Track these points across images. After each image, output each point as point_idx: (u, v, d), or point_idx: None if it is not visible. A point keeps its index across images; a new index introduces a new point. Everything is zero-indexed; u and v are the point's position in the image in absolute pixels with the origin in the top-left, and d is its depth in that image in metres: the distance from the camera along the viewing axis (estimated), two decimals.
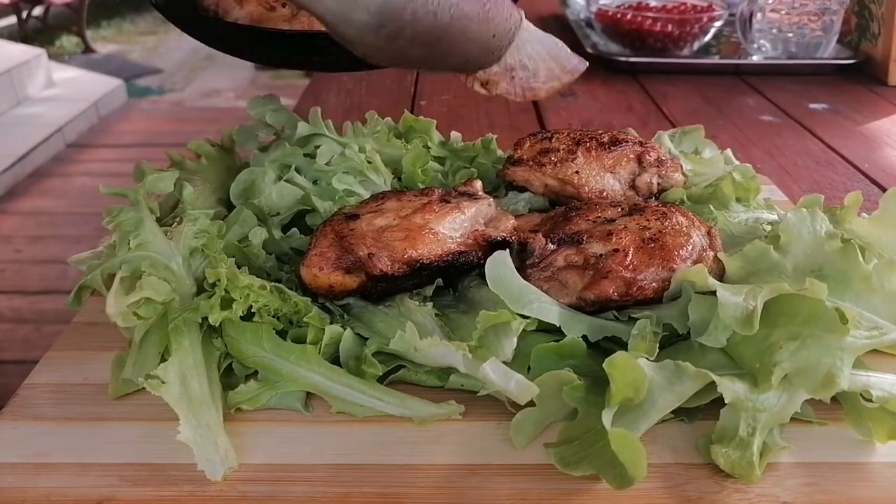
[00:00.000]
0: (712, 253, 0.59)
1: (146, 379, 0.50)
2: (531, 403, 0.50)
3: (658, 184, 0.74)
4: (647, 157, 0.74)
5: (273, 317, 0.56)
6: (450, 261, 0.59)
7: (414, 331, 0.52)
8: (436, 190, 0.66)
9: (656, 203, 0.66)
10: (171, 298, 0.55)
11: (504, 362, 0.50)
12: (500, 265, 0.54)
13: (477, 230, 0.62)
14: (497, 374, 0.49)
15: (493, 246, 0.60)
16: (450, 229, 0.61)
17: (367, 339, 0.55)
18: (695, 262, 0.57)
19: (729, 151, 0.85)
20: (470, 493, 0.47)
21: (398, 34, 0.53)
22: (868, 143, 1.13)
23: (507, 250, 0.57)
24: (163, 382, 0.50)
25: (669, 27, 1.44)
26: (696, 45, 1.49)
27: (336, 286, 0.58)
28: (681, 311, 0.54)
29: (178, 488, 0.47)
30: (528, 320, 0.53)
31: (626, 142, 0.76)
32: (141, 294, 0.54)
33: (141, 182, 0.63)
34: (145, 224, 0.60)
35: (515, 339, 0.52)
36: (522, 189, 0.76)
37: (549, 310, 0.54)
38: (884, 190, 0.97)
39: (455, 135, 0.89)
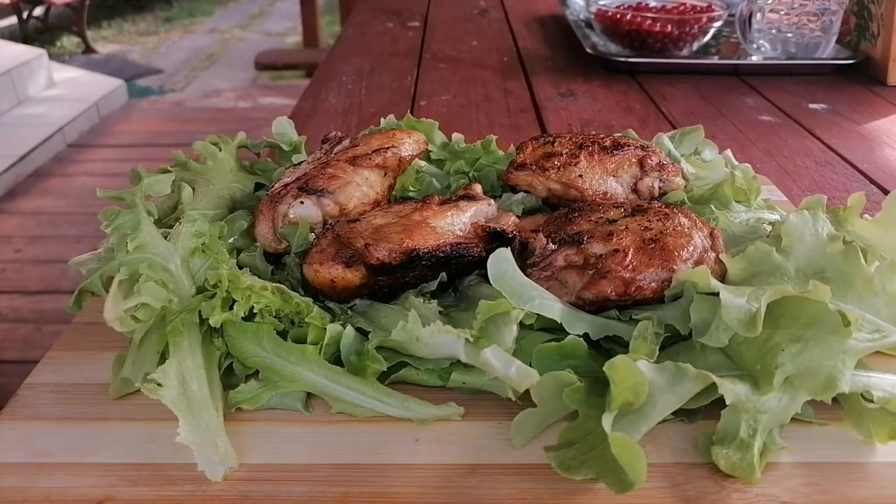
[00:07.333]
0: (714, 254, 0.59)
1: (144, 382, 0.50)
2: (531, 402, 0.50)
3: (659, 188, 0.74)
4: (649, 161, 0.74)
5: (274, 317, 0.56)
6: (448, 251, 0.59)
7: (417, 319, 0.52)
8: (435, 196, 0.66)
9: (659, 204, 0.66)
10: (169, 301, 0.55)
11: None
12: (502, 262, 0.54)
13: (476, 223, 0.62)
14: (498, 360, 0.49)
15: (492, 237, 0.60)
16: (448, 225, 0.61)
17: (368, 334, 0.55)
18: (696, 263, 0.57)
19: (729, 152, 0.85)
20: (470, 493, 0.47)
21: None
22: (867, 143, 1.13)
23: (509, 248, 0.57)
24: (159, 385, 0.50)
25: (669, 27, 1.44)
26: (695, 46, 1.49)
27: (337, 280, 0.58)
28: (683, 312, 0.54)
29: (179, 488, 0.47)
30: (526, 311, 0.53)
31: (629, 146, 0.76)
32: (138, 299, 0.53)
33: (137, 185, 0.63)
34: (143, 226, 0.60)
35: (515, 328, 0.52)
36: (515, 190, 0.75)
37: (552, 306, 0.54)
38: (883, 190, 0.97)
39: (457, 136, 0.89)
